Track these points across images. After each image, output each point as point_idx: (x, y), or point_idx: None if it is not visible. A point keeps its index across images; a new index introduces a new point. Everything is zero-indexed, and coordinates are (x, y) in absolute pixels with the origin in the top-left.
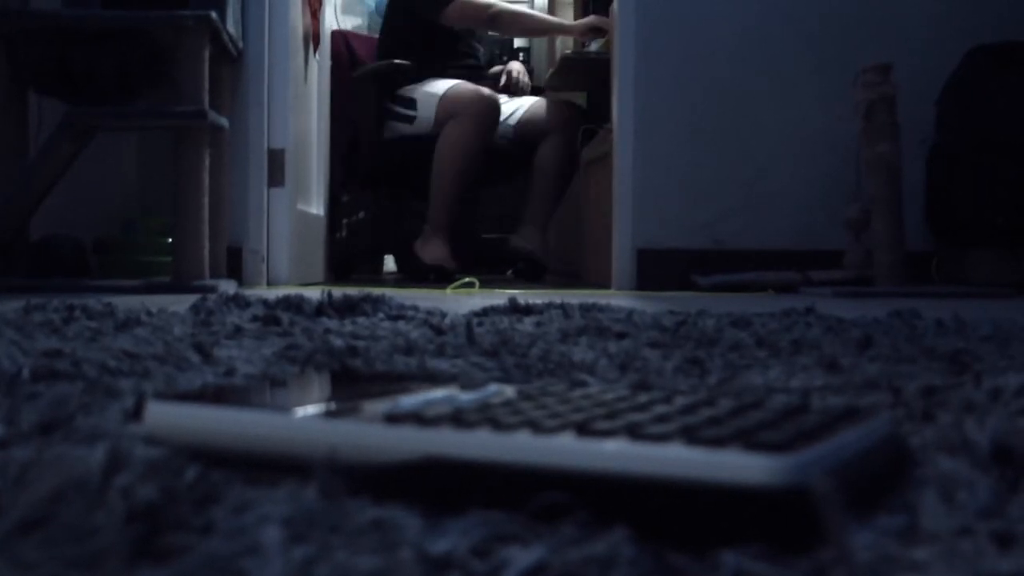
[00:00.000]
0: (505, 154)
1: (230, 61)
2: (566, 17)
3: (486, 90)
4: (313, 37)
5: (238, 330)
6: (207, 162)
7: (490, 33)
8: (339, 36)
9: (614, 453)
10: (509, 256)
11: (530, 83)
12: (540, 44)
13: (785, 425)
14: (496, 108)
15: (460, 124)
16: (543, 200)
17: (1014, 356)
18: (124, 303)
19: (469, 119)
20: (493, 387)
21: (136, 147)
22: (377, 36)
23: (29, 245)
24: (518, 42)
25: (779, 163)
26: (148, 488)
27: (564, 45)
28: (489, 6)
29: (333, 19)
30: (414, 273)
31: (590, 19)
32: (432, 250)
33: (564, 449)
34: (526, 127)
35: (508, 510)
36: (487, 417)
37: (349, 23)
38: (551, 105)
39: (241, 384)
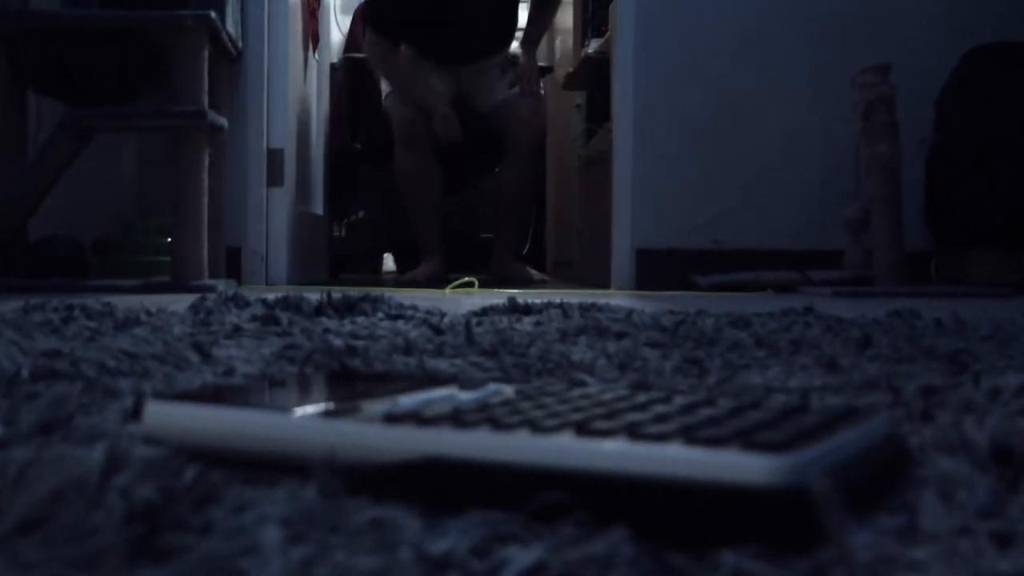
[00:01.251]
0: (473, 148)
1: (229, 61)
2: (565, 16)
3: (405, 111)
4: (312, 36)
5: (237, 330)
6: (206, 162)
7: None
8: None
9: (613, 453)
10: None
11: (540, 86)
12: (540, 43)
13: (784, 425)
14: (416, 129)
15: (396, 151)
16: (508, 229)
17: (1013, 356)
18: (123, 303)
19: (400, 145)
20: (492, 387)
21: (136, 147)
22: None
23: (28, 245)
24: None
25: (779, 163)
26: (147, 488)
27: (564, 45)
28: (380, 46)
29: (333, 19)
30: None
31: (443, 113)
32: (414, 271)
33: (563, 449)
34: (492, 122)
35: (507, 510)
36: (486, 417)
37: (346, 23)
38: (520, 119)
39: (240, 384)
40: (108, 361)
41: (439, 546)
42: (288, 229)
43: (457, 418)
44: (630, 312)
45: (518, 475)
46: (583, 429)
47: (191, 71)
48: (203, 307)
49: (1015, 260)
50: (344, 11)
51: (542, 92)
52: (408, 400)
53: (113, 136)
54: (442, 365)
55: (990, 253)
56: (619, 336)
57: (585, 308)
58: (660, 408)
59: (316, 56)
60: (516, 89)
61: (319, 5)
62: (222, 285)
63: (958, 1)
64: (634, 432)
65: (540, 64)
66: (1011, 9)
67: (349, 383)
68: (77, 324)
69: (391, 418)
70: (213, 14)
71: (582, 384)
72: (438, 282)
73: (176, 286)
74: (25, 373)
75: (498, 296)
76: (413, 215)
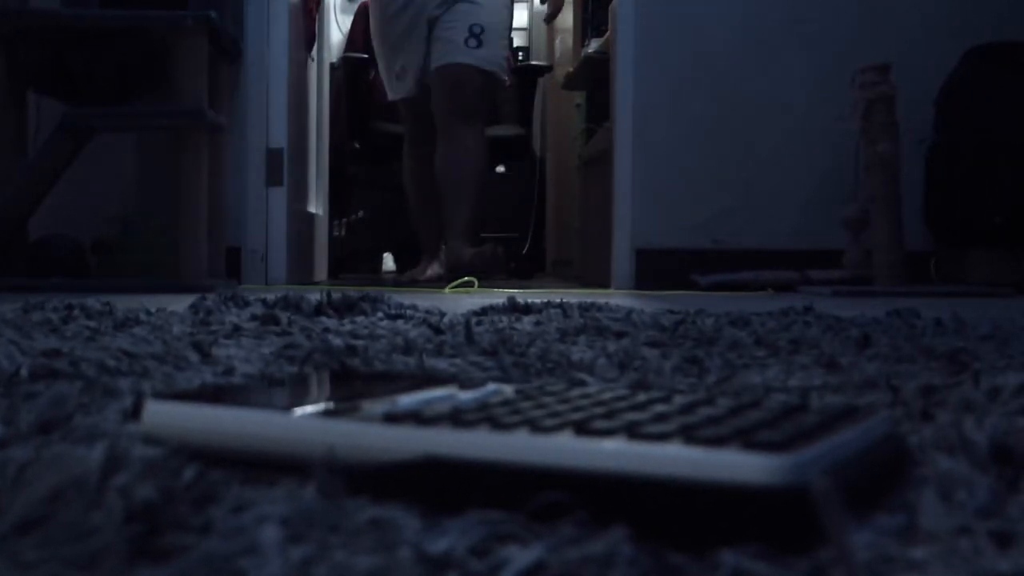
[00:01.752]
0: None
1: (229, 61)
2: (565, 16)
3: (411, 109)
4: (307, 36)
5: (237, 329)
6: (206, 162)
7: None
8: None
9: (613, 452)
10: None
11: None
12: (539, 40)
13: (784, 424)
14: (422, 126)
15: (404, 146)
16: (454, 212)
17: (1013, 355)
18: (123, 303)
19: (407, 141)
20: (492, 386)
21: (135, 147)
22: None
23: (28, 245)
24: (517, 41)
25: (778, 163)
26: (146, 488)
27: (564, 45)
28: None
29: (333, 19)
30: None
31: None
32: (414, 271)
33: (563, 448)
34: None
35: (507, 509)
36: (486, 416)
37: (346, 23)
38: (443, 87)
39: (240, 383)
40: (107, 361)
41: (438, 546)
42: (288, 229)
43: (457, 418)
44: (630, 312)
45: (518, 475)
46: (583, 429)
47: (191, 71)
48: (203, 307)
49: (1015, 260)
50: (344, 11)
51: (504, 55)
52: (408, 400)
53: (112, 136)
54: (442, 365)
55: (990, 253)
56: (619, 336)
57: (585, 308)
58: (660, 408)
59: (313, 55)
60: (462, 56)
61: (317, 6)
62: (222, 285)
63: (958, 1)
64: (634, 432)
65: (539, 63)
66: (1011, 9)
67: (349, 383)
68: (76, 324)
69: (391, 418)
70: (213, 14)
71: (582, 384)
72: (438, 282)
73: (176, 286)
74: (24, 372)
75: (498, 296)
76: (415, 213)
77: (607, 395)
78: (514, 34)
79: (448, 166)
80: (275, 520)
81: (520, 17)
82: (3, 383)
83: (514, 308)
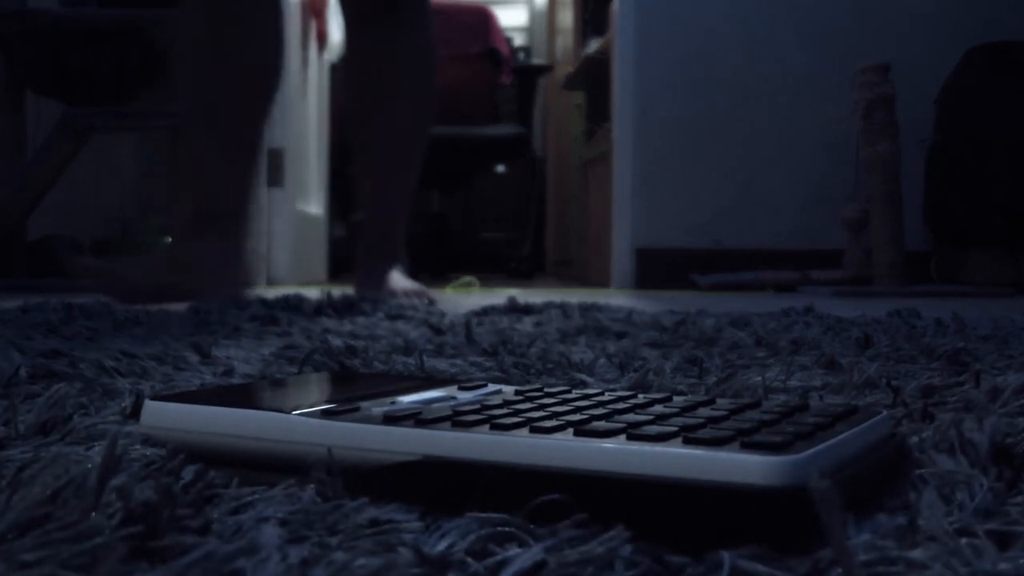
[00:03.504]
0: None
1: None
2: (565, 16)
3: None
4: (319, 36)
5: (236, 330)
6: None
7: None
8: None
9: (612, 453)
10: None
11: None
12: (539, 40)
13: (784, 425)
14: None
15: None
16: (375, 215)
17: (1013, 355)
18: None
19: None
20: (492, 387)
21: (134, 147)
22: None
23: (26, 245)
24: (517, 40)
25: (778, 163)
26: (145, 488)
27: (564, 45)
28: None
29: (333, 19)
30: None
31: None
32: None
33: (562, 449)
34: None
35: (506, 511)
36: (485, 417)
37: None
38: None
39: (239, 384)
40: (107, 361)
41: (438, 547)
42: (288, 229)
43: (456, 419)
44: (630, 312)
45: (517, 476)
46: (582, 430)
47: None
48: (202, 307)
49: (1015, 260)
50: None
51: None
52: (407, 400)
53: (111, 136)
54: (442, 365)
55: (990, 253)
56: (619, 336)
57: (585, 308)
58: (659, 408)
59: (324, 55)
60: None
61: (325, 5)
62: None
63: (958, 1)
64: (633, 432)
65: (539, 63)
66: (1011, 9)
67: (348, 383)
68: (76, 324)
69: (390, 419)
70: None
71: (582, 384)
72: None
73: None
74: (23, 373)
75: (498, 296)
76: (200, 148)
77: (607, 396)
78: (514, 34)
79: (398, 74)
80: (274, 521)
81: (520, 17)
82: (2, 383)
83: (514, 308)
